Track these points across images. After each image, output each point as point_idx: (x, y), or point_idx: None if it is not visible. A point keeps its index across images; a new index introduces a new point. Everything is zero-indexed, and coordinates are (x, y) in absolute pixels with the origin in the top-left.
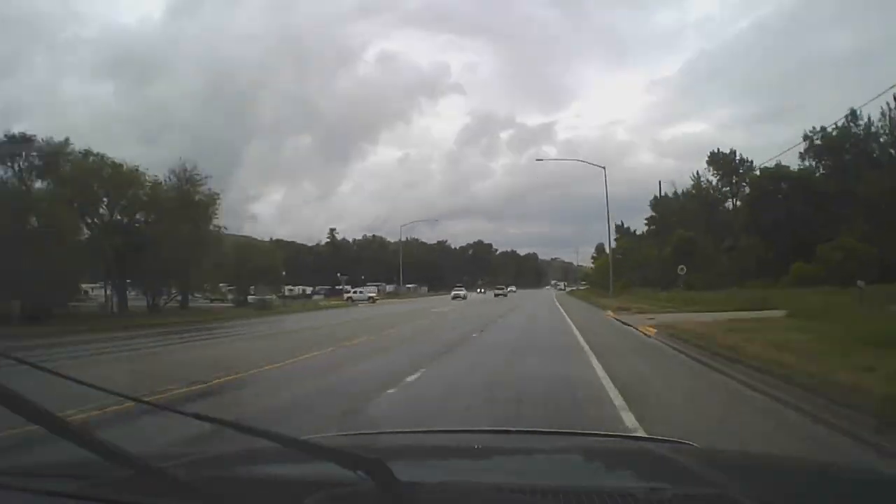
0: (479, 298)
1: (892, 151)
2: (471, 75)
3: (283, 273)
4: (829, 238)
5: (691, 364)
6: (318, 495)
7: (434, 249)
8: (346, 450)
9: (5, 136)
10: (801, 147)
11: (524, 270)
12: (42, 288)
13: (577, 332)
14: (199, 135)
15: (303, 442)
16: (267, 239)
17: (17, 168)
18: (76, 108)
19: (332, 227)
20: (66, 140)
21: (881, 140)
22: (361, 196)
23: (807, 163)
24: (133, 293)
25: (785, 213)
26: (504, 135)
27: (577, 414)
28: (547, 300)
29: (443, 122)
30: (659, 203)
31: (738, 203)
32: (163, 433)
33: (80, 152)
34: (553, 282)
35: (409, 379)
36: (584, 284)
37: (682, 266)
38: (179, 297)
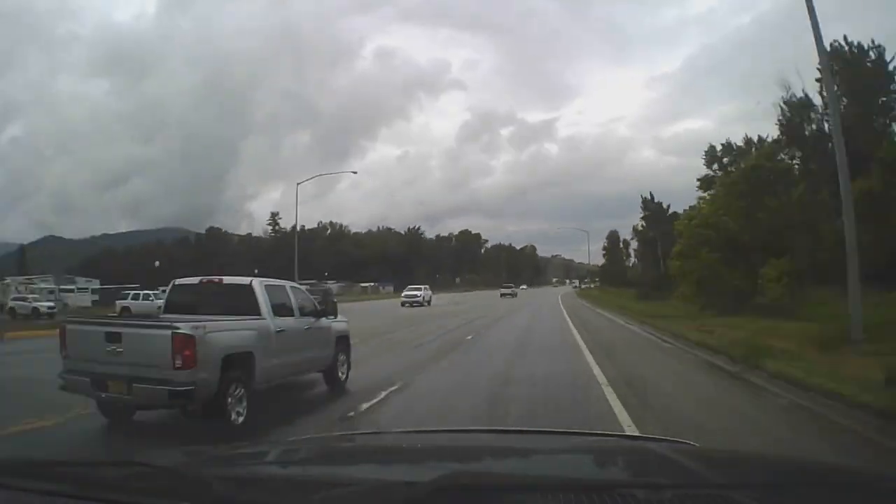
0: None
1: None
2: (471, 72)
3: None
4: None
5: None
6: (326, 494)
7: (406, 240)
8: (350, 451)
9: None
10: None
11: (520, 266)
12: None
13: None
14: (194, 133)
15: (300, 442)
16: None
17: None
18: None
19: (275, 211)
20: None
21: None
22: (360, 192)
23: None
24: None
25: None
26: (505, 131)
27: None
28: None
29: (443, 119)
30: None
31: None
32: None
33: None
34: (554, 279)
35: None
36: (587, 282)
37: None
38: None
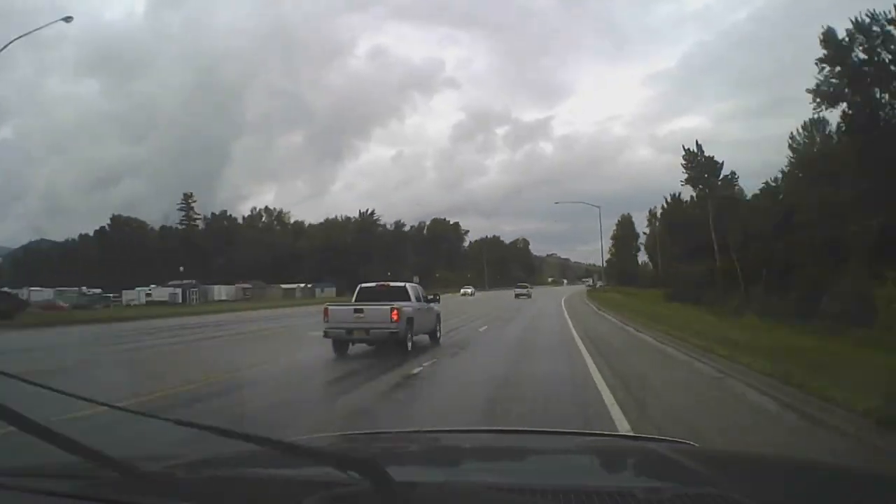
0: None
1: None
2: (465, 70)
3: None
4: None
5: None
6: (317, 496)
7: (358, 228)
8: (341, 451)
9: None
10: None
11: (510, 263)
12: None
13: None
14: (188, 132)
15: (295, 445)
16: None
17: None
18: None
19: (188, 192)
20: None
21: None
22: (354, 193)
23: None
24: None
25: None
26: (500, 130)
27: None
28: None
29: (437, 118)
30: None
31: None
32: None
33: None
34: (550, 279)
35: None
36: (602, 283)
37: None
38: None
